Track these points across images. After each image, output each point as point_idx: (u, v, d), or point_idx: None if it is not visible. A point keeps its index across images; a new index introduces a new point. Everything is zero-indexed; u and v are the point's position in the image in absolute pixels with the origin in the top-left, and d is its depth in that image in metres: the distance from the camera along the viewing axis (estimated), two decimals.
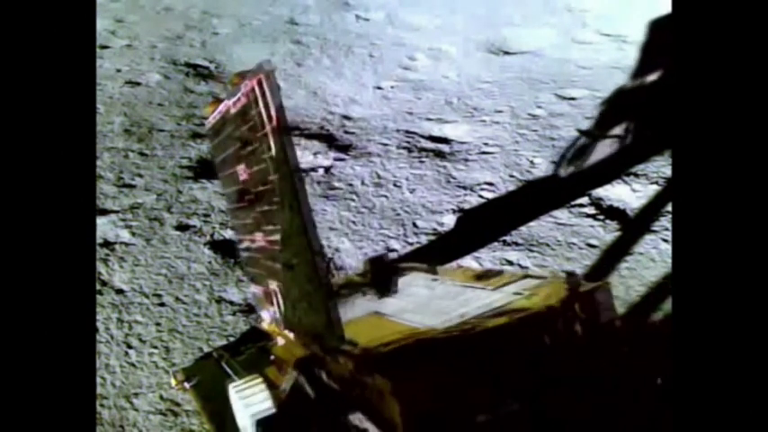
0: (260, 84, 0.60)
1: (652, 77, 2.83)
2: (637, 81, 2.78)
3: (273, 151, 0.60)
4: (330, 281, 0.67)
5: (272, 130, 0.58)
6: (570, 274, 0.73)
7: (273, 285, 0.75)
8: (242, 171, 0.72)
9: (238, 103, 0.65)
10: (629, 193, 2.25)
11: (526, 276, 0.70)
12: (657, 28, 3.26)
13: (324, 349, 0.62)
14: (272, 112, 0.58)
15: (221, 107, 0.72)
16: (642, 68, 3.04)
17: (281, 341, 0.77)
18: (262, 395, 0.71)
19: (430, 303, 0.70)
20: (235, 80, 0.67)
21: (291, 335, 0.72)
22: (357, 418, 0.59)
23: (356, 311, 0.73)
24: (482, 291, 0.69)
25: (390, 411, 0.54)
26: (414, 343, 0.61)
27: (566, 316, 0.61)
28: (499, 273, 0.76)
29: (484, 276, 0.75)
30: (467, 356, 0.56)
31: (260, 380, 0.73)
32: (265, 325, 0.84)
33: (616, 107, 2.82)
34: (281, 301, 0.73)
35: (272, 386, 0.70)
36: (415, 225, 2.15)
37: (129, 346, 1.72)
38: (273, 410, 0.68)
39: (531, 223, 2.12)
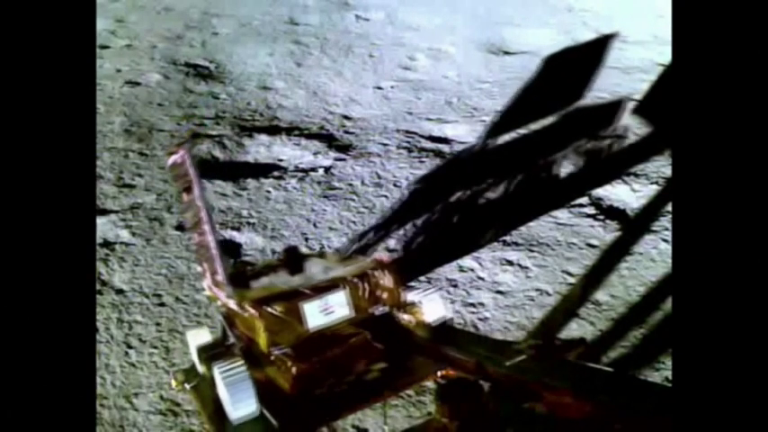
0: (188, 150, 1.11)
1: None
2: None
3: (193, 184, 1.11)
4: (225, 262, 1.12)
5: (192, 178, 1.10)
6: (378, 258, 1.17)
7: (205, 266, 1.17)
8: (185, 196, 1.17)
9: (180, 158, 1.13)
10: (629, 193, 2.25)
11: (362, 260, 1.18)
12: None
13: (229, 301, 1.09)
14: (191, 170, 1.08)
15: (173, 158, 1.17)
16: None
17: (218, 302, 1.16)
18: (205, 336, 1.15)
19: (308, 275, 1.15)
20: (177, 145, 1.19)
21: (221, 296, 1.12)
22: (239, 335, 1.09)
23: (266, 282, 1.17)
24: (338, 267, 1.15)
25: (257, 329, 1.00)
26: (278, 293, 1.05)
27: (364, 280, 1.07)
28: (353, 257, 1.29)
29: (345, 259, 1.24)
30: (304, 299, 1.03)
31: (206, 330, 1.18)
32: (207, 291, 1.22)
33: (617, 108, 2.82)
34: (209, 276, 1.17)
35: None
36: (414, 225, 2.15)
37: (129, 346, 1.72)
38: (209, 341, 1.13)
39: (531, 223, 2.12)
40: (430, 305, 1.12)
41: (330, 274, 1.11)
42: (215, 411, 1.00)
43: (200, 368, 1.11)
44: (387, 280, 1.08)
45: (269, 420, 0.96)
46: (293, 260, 1.24)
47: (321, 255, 1.31)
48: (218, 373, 0.96)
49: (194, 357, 1.13)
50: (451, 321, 1.14)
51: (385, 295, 1.08)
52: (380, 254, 1.24)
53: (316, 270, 1.18)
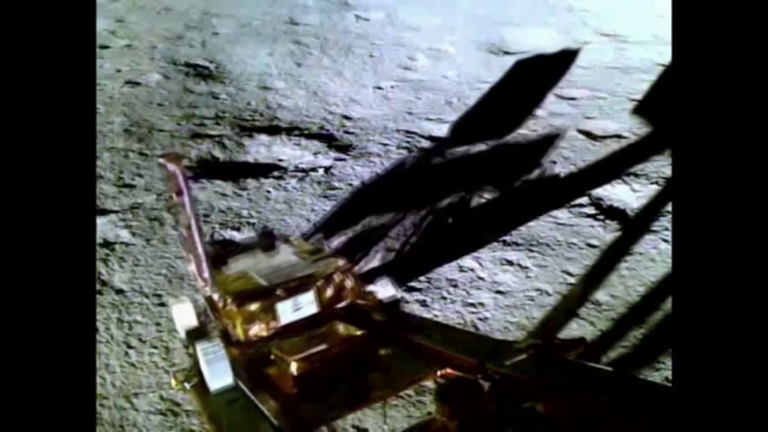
0: (178, 164, 1.24)
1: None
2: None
3: (184, 195, 1.25)
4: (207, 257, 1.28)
5: (183, 188, 1.23)
6: (347, 260, 1.32)
7: (193, 263, 1.31)
8: (176, 198, 1.30)
9: (171, 169, 1.26)
10: (629, 193, 2.25)
11: (331, 255, 1.35)
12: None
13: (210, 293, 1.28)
14: (180, 181, 1.21)
15: (167, 166, 1.32)
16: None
17: (204, 292, 1.32)
18: (189, 311, 1.30)
19: (277, 268, 1.33)
20: (166, 158, 1.29)
21: (206, 290, 1.27)
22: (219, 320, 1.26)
23: (237, 268, 1.36)
24: (308, 262, 1.33)
25: (237, 322, 1.19)
26: (256, 291, 1.23)
27: (330, 281, 1.26)
28: (320, 249, 1.40)
29: (314, 251, 1.39)
30: (279, 299, 1.21)
31: (190, 304, 1.31)
32: (194, 283, 1.36)
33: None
34: (197, 273, 1.32)
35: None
36: (414, 225, 2.15)
37: (129, 346, 1.72)
38: (196, 325, 1.29)
39: (531, 223, 2.12)
40: (382, 289, 1.28)
41: (300, 273, 1.29)
42: (200, 383, 1.16)
43: (189, 347, 1.28)
44: (349, 281, 1.27)
45: (243, 390, 1.10)
46: (267, 242, 1.45)
47: (288, 240, 1.51)
48: (200, 350, 1.14)
49: (180, 333, 1.32)
50: (402, 300, 1.32)
51: (346, 293, 1.27)
52: (341, 256, 1.35)
53: (285, 254, 1.40)
